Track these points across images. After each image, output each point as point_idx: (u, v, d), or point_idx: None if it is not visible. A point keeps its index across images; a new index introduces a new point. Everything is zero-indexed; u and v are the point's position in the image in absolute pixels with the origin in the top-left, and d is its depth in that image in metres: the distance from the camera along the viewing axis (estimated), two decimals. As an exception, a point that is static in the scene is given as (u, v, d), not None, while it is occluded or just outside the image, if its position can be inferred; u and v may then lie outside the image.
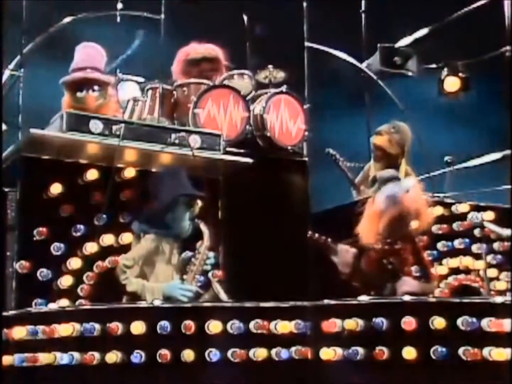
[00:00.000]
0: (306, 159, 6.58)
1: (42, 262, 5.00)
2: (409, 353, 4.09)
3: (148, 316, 4.08)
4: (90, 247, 5.08)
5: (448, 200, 6.52)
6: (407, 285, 5.14)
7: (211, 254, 4.88)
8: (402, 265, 5.23)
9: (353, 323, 4.15)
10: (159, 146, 5.39)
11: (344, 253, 5.25)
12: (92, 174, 5.20)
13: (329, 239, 5.31)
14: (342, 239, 5.41)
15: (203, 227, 4.86)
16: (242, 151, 6.06)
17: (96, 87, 5.58)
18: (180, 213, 4.83)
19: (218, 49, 6.65)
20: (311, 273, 5.83)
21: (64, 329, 4.09)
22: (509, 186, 6.65)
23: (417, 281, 5.21)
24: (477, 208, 6.29)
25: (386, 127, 6.76)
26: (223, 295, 4.76)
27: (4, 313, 4.43)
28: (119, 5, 7.55)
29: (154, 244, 4.75)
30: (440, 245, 6.27)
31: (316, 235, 5.35)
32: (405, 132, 6.76)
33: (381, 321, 4.12)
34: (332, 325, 4.17)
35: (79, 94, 5.57)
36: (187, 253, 4.99)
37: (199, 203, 4.99)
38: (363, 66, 8.82)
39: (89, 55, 5.70)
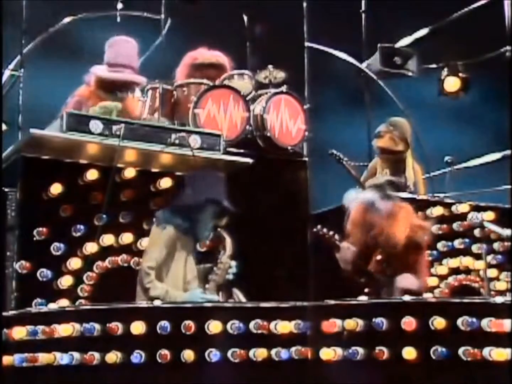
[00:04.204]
0: (306, 159, 6.58)
1: (42, 262, 5.00)
2: (409, 353, 4.10)
3: (148, 316, 4.08)
4: (90, 247, 5.08)
5: (448, 200, 6.53)
6: (406, 281, 5.17)
7: (233, 263, 4.82)
8: (397, 266, 5.25)
9: (353, 323, 4.15)
10: (159, 146, 5.39)
11: (345, 251, 5.28)
12: (92, 174, 5.20)
13: (335, 235, 5.36)
14: (342, 239, 5.43)
15: (226, 236, 4.83)
16: (242, 151, 6.06)
17: (134, 90, 5.71)
18: (206, 217, 4.79)
19: (225, 57, 6.66)
20: (311, 273, 5.82)
21: (64, 329, 4.08)
22: (509, 186, 6.66)
23: (416, 279, 5.23)
24: (477, 208, 6.30)
25: (384, 126, 6.76)
26: None
27: (4, 313, 4.43)
28: (119, 5, 7.55)
29: (173, 240, 4.68)
30: (440, 245, 6.28)
31: (324, 230, 5.39)
32: (404, 126, 6.78)
33: (381, 321, 4.12)
34: (332, 325, 4.17)
35: (119, 95, 5.67)
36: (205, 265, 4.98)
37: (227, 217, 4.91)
38: (363, 66, 8.82)
39: (129, 53, 5.75)
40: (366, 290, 5.27)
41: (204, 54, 6.62)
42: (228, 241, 4.81)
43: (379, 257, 5.34)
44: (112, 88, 5.66)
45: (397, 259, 5.25)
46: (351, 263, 5.28)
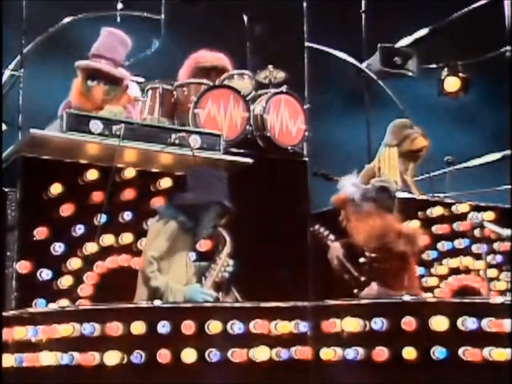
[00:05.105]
0: (306, 159, 6.58)
1: (42, 262, 5.00)
2: (409, 353, 4.09)
3: (148, 316, 4.08)
4: (90, 247, 5.08)
5: (448, 200, 6.53)
6: (369, 288, 5.21)
7: (231, 261, 4.84)
8: (376, 271, 5.27)
9: (353, 323, 4.15)
10: (159, 146, 5.39)
11: (333, 251, 5.32)
12: (92, 174, 5.20)
13: (330, 235, 5.38)
14: (337, 239, 5.45)
15: (225, 234, 4.85)
16: (242, 151, 6.06)
17: (107, 81, 5.53)
18: (209, 218, 4.79)
19: (227, 59, 6.66)
20: (311, 273, 5.83)
21: (64, 329, 4.08)
22: (509, 186, 6.66)
23: (379, 287, 5.23)
24: (477, 208, 6.30)
25: (407, 129, 6.68)
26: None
27: (4, 313, 4.43)
28: (119, 5, 7.57)
29: (175, 235, 4.65)
30: (440, 245, 6.28)
31: (321, 229, 5.41)
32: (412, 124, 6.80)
33: (381, 321, 4.12)
34: (332, 325, 4.17)
35: (89, 83, 5.53)
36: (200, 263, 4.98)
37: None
38: (363, 66, 8.83)
39: (111, 44, 5.62)
40: (354, 291, 5.29)
41: (207, 57, 6.63)
42: (228, 240, 4.83)
43: (362, 259, 5.37)
44: (86, 77, 5.53)
45: (378, 264, 5.27)
46: (338, 264, 5.32)
